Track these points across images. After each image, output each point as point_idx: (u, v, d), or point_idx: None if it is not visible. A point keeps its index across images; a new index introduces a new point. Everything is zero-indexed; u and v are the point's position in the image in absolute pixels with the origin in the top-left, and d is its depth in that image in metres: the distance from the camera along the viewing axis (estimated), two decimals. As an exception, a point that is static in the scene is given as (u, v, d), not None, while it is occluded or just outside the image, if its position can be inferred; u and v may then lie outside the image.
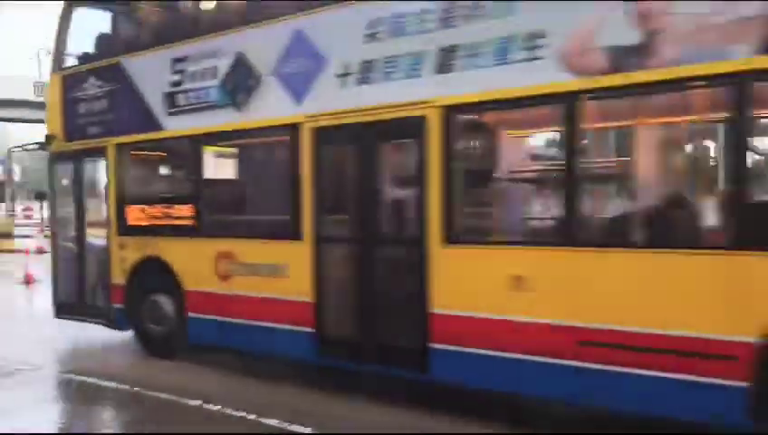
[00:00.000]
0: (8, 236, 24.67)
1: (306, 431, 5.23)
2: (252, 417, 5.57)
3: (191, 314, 7.31)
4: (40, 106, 30.22)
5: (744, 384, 4.23)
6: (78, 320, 8.65)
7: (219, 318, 7.02)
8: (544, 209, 5.47)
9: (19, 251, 19.32)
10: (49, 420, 5.80)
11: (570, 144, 4.91)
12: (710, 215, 4.64)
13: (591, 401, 4.91)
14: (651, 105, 5.08)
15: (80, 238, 8.56)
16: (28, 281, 14.83)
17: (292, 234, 6.37)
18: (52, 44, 8.89)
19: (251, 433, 5.33)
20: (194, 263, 7.25)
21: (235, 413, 5.66)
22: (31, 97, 33.32)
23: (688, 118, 5.20)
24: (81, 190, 8.52)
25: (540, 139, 5.85)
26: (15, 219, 32.57)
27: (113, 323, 8.15)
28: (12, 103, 34.60)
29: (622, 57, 4.62)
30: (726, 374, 4.27)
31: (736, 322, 4.24)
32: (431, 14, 5.49)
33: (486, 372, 5.29)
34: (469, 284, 5.36)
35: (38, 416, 5.90)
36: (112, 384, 6.63)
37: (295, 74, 6.35)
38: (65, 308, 8.82)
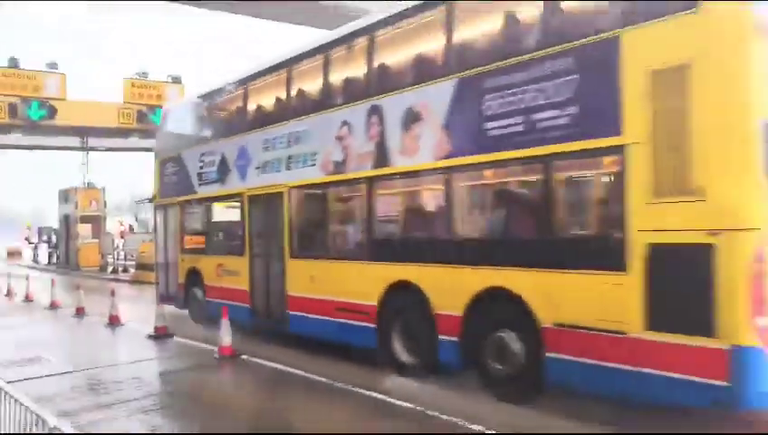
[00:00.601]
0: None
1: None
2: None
3: (206, 299, 13.07)
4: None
5: (373, 326, 8.95)
6: (168, 304, 14.70)
7: (217, 300, 12.63)
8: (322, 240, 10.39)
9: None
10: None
11: (324, 209, 9.96)
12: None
13: (340, 340, 9.73)
14: (349, 188, 9.90)
15: (166, 256, 14.74)
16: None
17: (241, 252, 11.83)
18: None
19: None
20: (208, 269, 13.01)
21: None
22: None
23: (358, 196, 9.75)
24: (166, 227, 14.70)
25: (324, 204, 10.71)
26: None
27: (180, 306, 14.13)
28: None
29: (338, 167, 9.54)
30: (369, 321, 9.01)
31: (369, 295, 8.98)
32: (284, 138, 10.73)
33: (307, 326, 10.34)
34: (298, 278, 10.47)
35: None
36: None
37: (241, 166, 11.85)
38: (162, 298, 14.94)
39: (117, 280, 26.25)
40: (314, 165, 10.10)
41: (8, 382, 4.55)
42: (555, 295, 6.62)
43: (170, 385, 9.35)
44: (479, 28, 8.12)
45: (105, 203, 35.10)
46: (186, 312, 14.11)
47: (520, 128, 6.98)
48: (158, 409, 7.71)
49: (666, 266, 5.75)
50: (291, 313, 10.71)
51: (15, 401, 4.31)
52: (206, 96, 13.70)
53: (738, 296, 5.32)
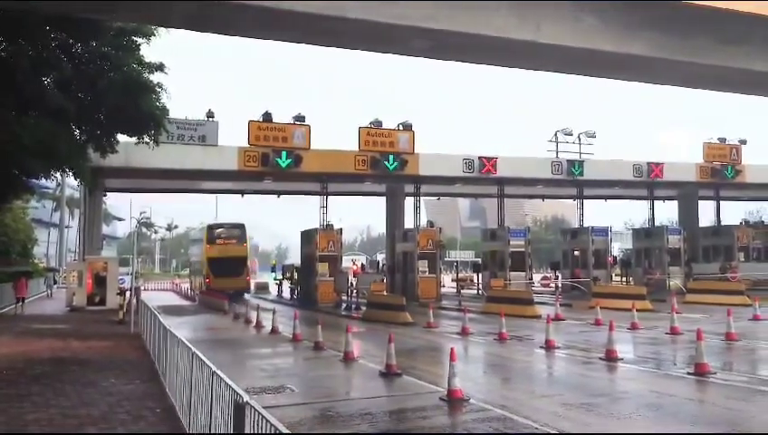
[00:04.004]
0: (528, 302, 26.19)
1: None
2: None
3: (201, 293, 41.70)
4: (552, 183, 39.83)
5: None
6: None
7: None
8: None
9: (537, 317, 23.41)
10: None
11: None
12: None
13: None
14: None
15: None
16: (549, 346, 16.26)
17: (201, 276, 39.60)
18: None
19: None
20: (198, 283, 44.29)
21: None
22: (547, 175, 38.69)
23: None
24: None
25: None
26: (533, 287, 38.72)
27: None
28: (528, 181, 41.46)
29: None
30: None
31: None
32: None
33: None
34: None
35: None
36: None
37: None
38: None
39: (350, 317, 27.85)
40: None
41: (264, 408, 5.06)
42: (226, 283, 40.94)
43: (401, 424, 9.71)
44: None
45: (341, 244, 37.43)
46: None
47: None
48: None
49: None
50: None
51: (272, 425, 4.79)
52: (209, 228, 48.95)
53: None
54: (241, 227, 47.15)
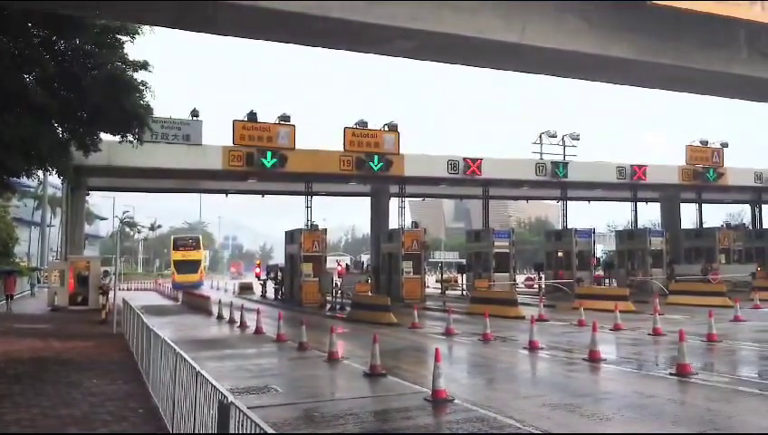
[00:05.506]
0: (512, 303, 26.28)
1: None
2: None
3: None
4: (536, 184, 39.88)
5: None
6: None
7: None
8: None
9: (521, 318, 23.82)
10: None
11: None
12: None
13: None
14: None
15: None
16: (532, 347, 16.33)
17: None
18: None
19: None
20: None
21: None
22: (531, 177, 38.64)
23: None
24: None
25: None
26: (516, 288, 38.61)
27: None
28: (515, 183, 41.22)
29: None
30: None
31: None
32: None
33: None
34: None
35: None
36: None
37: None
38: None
39: (334, 317, 27.80)
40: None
41: (249, 408, 5.05)
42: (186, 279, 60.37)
43: (386, 424, 9.70)
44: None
45: (326, 244, 37.34)
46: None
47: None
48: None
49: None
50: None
51: (256, 425, 4.78)
52: (174, 239, 73.03)
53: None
54: (197, 238, 72.36)
